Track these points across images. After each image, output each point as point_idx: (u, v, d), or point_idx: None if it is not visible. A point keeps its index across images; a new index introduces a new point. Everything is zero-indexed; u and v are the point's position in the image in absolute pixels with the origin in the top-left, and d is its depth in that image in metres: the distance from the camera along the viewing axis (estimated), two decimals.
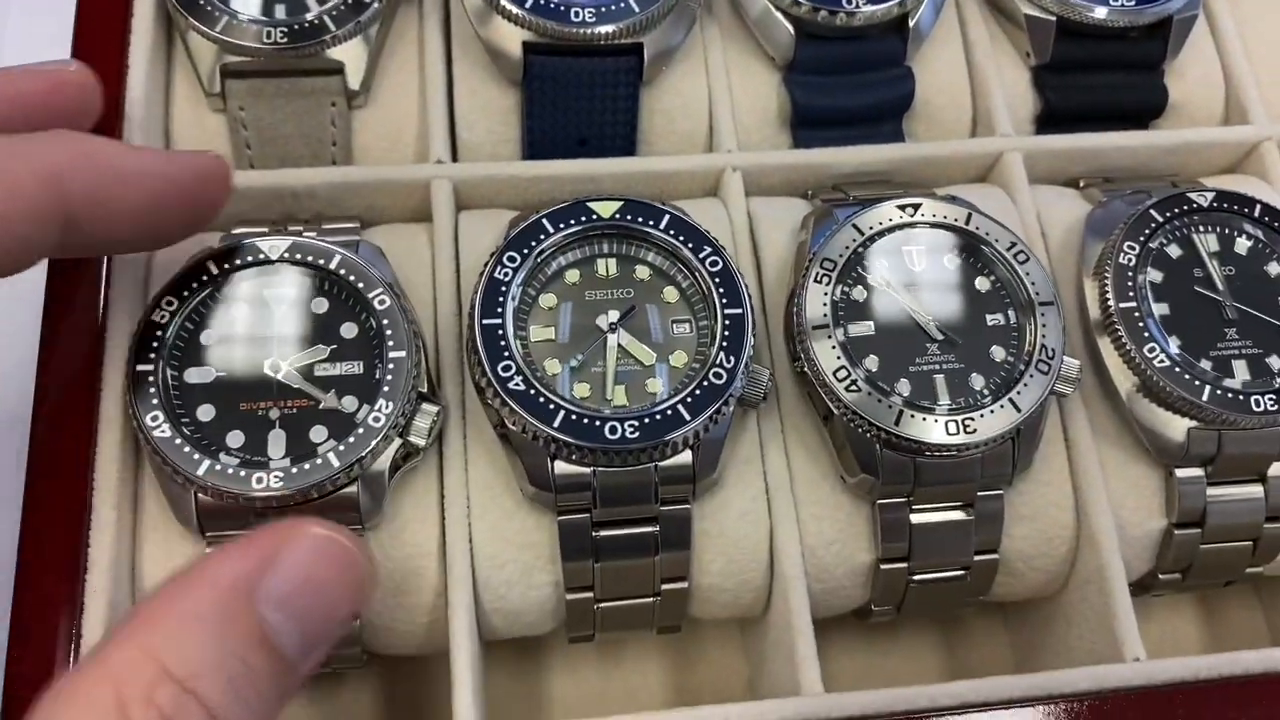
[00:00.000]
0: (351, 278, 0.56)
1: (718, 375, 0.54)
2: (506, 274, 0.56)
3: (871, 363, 0.57)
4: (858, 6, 0.66)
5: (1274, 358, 0.59)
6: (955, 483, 0.57)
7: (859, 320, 0.58)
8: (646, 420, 0.53)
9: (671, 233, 0.58)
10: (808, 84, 0.68)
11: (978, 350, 0.58)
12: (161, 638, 0.36)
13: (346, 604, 0.42)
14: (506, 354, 0.54)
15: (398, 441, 0.54)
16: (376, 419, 0.53)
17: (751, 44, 0.69)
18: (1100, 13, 0.68)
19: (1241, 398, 0.57)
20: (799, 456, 0.59)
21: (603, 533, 0.55)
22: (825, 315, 0.57)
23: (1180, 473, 0.60)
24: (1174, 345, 0.59)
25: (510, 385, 0.53)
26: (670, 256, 0.58)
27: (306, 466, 0.52)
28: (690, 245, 0.57)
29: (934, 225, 0.60)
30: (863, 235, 0.59)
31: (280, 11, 0.65)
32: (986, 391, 0.57)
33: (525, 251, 0.56)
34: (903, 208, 0.60)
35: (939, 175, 0.68)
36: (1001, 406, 0.55)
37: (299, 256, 0.57)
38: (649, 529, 0.55)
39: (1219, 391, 0.57)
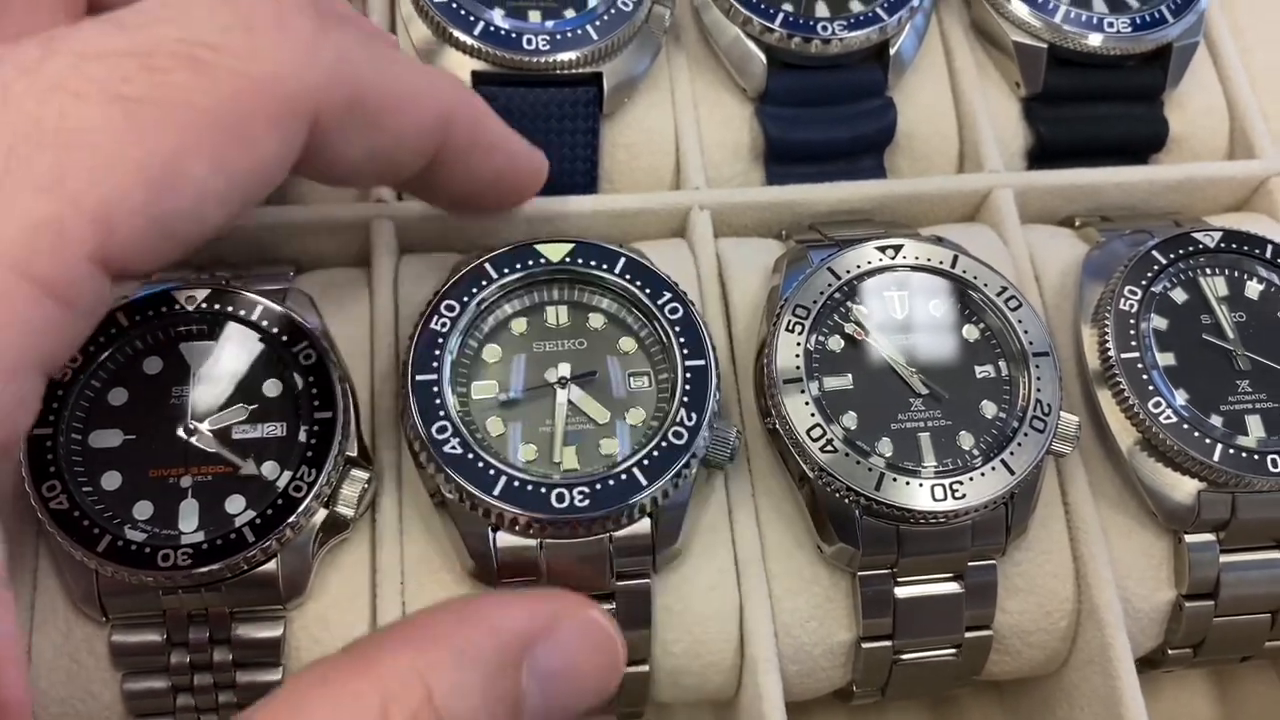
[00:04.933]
0: (275, 330, 0.52)
1: (678, 434, 0.50)
2: (444, 324, 0.51)
3: (849, 420, 0.52)
4: (834, 33, 0.62)
5: None
6: (943, 552, 0.52)
7: (835, 373, 0.53)
8: (598, 485, 0.48)
9: (627, 277, 0.53)
10: (781, 116, 0.64)
11: (966, 406, 0.53)
12: (434, 666, 0.36)
13: (591, 699, 0.41)
14: (442, 414, 0.49)
15: (323, 512, 0.50)
16: (299, 487, 0.49)
17: (721, 74, 0.65)
18: (1095, 40, 0.65)
19: (1256, 457, 0.53)
20: (771, 524, 0.54)
21: None
22: (798, 367, 0.52)
23: (1190, 539, 0.55)
24: (1181, 399, 0.54)
25: (446, 449, 0.48)
26: (626, 303, 0.54)
27: (219, 542, 0.48)
28: (648, 291, 0.53)
29: (917, 268, 0.56)
30: (839, 280, 0.54)
31: None
32: (976, 451, 0.52)
33: (465, 300, 0.52)
34: (883, 249, 0.55)
35: (923, 214, 0.64)
36: (993, 468, 0.51)
37: (218, 307, 0.52)
38: (604, 606, 0.49)
39: (1231, 450, 0.53)
